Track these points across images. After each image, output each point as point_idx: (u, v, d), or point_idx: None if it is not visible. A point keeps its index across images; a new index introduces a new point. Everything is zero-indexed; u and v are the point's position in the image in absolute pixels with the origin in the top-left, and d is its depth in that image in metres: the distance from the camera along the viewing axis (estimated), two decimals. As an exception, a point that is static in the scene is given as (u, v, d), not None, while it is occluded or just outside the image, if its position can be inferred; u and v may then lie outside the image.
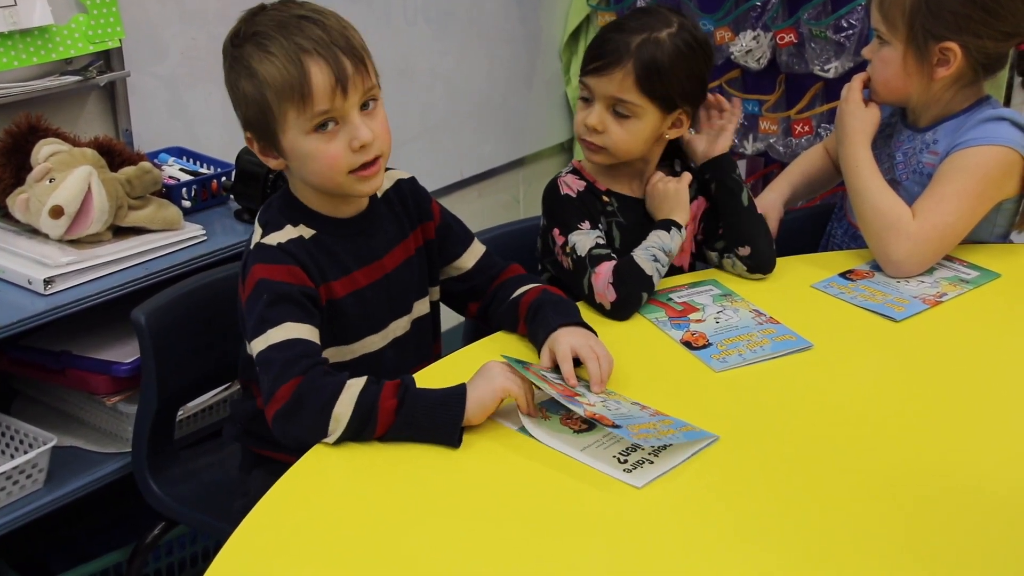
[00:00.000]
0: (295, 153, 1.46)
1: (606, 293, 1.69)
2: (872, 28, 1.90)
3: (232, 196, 2.17)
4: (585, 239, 1.74)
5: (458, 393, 1.37)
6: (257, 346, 1.42)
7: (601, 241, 1.75)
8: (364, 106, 1.46)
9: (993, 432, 1.40)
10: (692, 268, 1.91)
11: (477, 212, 3.35)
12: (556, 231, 1.79)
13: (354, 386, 1.36)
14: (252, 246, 1.51)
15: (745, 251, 1.81)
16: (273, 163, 1.50)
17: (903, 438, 1.39)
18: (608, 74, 1.72)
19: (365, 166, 1.47)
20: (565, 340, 1.48)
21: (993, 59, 1.85)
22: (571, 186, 1.81)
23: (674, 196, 1.78)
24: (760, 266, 1.82)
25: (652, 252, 1.72)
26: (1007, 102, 2.09)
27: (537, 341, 1.55)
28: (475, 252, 1.70)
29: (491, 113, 3.34)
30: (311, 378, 1.36)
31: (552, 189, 1.82)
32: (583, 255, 1.72)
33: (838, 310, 1.73)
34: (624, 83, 1.71)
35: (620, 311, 1.69)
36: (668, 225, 1.76)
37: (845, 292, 1.77)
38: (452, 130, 3.21)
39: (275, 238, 1.49)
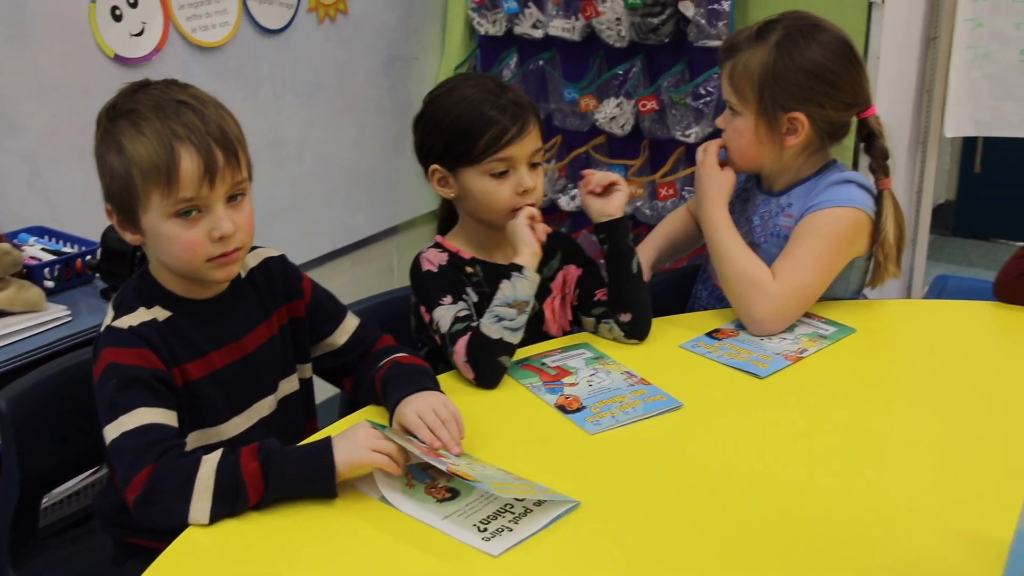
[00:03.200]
0: (154, 234, 1.44)
1: (465, 371, 1.70)
2: (725, 99, 1.97)
3: (98, 275, 2.13)
4: (447, 314, 1.74)
5: (324, 444, 1.38)
6: (110, 433, 1.39)
7: (462, 314, 1.74)
8: (232, 198, 1.45)
9: (855, 479, 1.44)
10: (570, 333, 1.93)
11: (351, 282, 3.34)
12: (423, 309, 1.79)
13: (211, 460, 1.35)
14: (103, 329, 1.49)
15: (627, 318, 1.83)
16: (130, 238, 1.48)
17: (769, 490, 1.42)
18: (528, 133, 1.75)
19: (223, 255, 1.46)
20: (409, 410, 1.48)
21: (837, 127, 1.95)
22: (432, 261, 1.81)
23: (515, 235, 1.77)
24: (638, 333, 1.84)
25: (495, 313, 1.71)
26: (854, 165, 2.19)
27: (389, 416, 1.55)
28: (347, 328, 1.70)
29: (362, 182, 3.35)
30: (165, 462, 1.35)
31: (414, 267, 1.83)
32: (445, 332, 1.73)
33: (706, 369, 1.77)
34: (535, 134, 1.77)
35: (485, 382, 1.69)
36: (509, 272, 1.74)
37: (712, 351, 1.82)
38: (323, 200, 3.21)
39: (126, 321, 1.47)
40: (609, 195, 1.85)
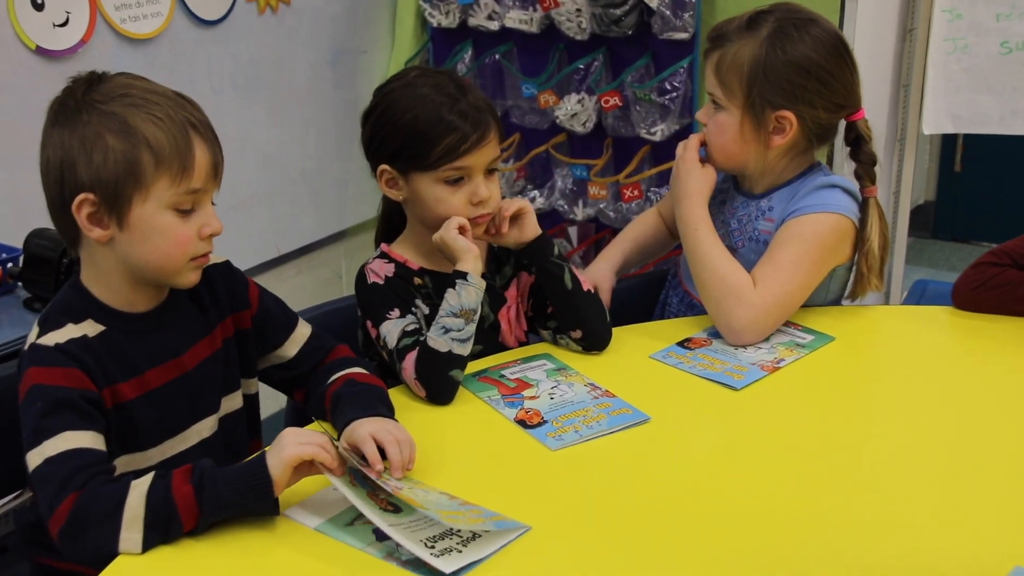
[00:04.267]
0: (144, 225, 1.42)
1: (416, 388, 1.68)
2: (707, 92, 1.96)
3: (21, 284, 2.09)
4: (394, 329, 1.72)
5: (256, 458, 1.36)
6: (33, 460, 1.36)
7: (410, 328, 1.73)
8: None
9: (836, 496, 1.44)
10: (526, 343, 1.92)
11: (296, 290, 3.31)
12: (369, 324, 1.77)
13: (140, 485, 1.32)
14: (27, 347, 1.45)
15: (578, 334, 1.82)
16: (98, 233, 1.42)
17: (743, 510, 1.41)
18: (488, 141, 1.74)
19: (204, 255, 1.47)
20: (363, 427, 1.47)
21: (826, 129, 1.95)
22: (378, 272, 1.79)
23: (448, 245, 1.74)
24: (594, 345, 1.83)
25: (442, 325, 1.68)
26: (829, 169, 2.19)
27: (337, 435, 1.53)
28: (298, 339, 1.68)
29: (307, 184, 3.32)
30: (90, 490, 1.32)
31: (359, 279, 1.80)
32: (392, 348, 1.71)
33: (676, 380, 1.76)
34: (495, 142, 1.76)
35: (437, 399, 1.68)
36: (454, 281, 1.72)
37: (684, 362, 1.81)
38: (266, 203, 3.18)
39: (52, 338, 1.43)
40: (519, 222, 1.81)
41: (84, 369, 1.42)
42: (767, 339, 1.88)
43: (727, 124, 1.93)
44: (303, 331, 1.69)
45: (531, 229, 1.81)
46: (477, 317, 1.72)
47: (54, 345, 1.43)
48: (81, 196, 1.40)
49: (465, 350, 1.69)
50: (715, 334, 1.90)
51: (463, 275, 1.71)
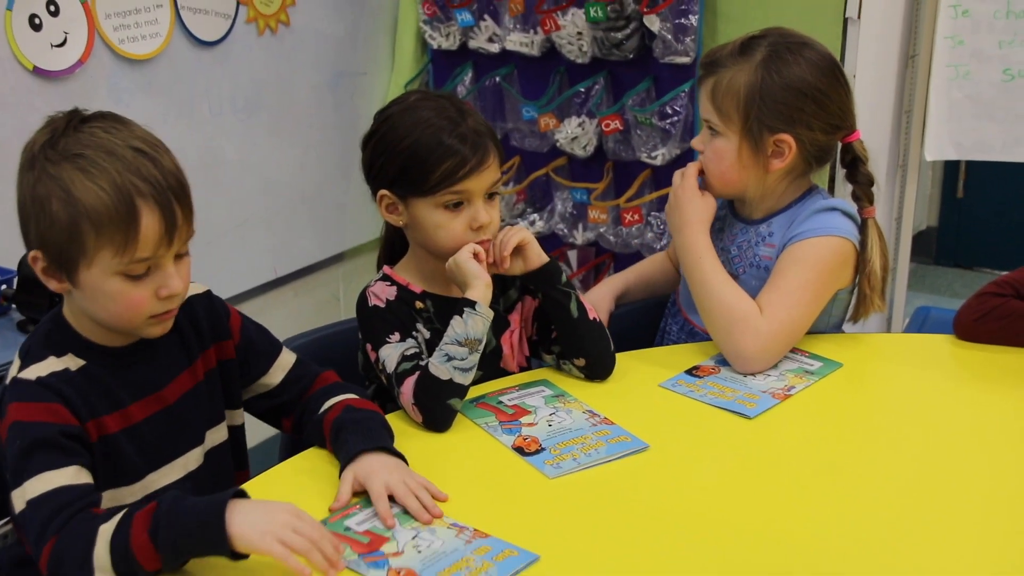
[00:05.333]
0: (92, 287, 1.39)
1: (413, 413, 1.67)
2: (703, 119, 1.96)
3: (15, 306, 2.09)
4: (393, 353, 1.71)
5: (217, 507, 1.27)
6: (16, 502, 1.34)
7: (410, 352, 1.71)
8: (179, 254, 1.43)
9: (854, 529, 1.42)
10: (527, 368, 1.91)
11: (293, 313, 3.31)
12: (369, 347, 1.77)
13: (105, 532, 1.28)
14: (8, 381, 1.43)
15: (580, 362, 1.82)
16: (55, 286, 1.42)
17: (751, 538, 1.40)
18: (487, 165, 1.73)
19: (166, 312, 1.44)
20: (379, 478, 1.44)
21: (824, 151, 1.95)
22: (380, 295, 1.78)
23: (461, 270, 1.73)
24: (597, 374, 1.82)
25: (445, 352, 1.67)
26: (830, 192, 2.20)
27: (340, 464, 1.51)
28: (283, 366, 1.66)
29: (306, 206, 3.32)
30: (66, 533, 1.29)
31: (361, 302, 1.80)
32: (391, 372, 1.70)
33: (681, 408, 1.74)
34: (495, 166, 1.75)
35: (434, 426, 1.67)
36: (462, 308, 1.71)
37: (694, 390, 1.79)
38: (264, 225, 3.17)
39: (34, 371, 1.41)
40: (522, 252, 1.79)
41: (66, 403, 1.40)
42: (776, 366, 1.87)
43: (725, 150, 1.92)
44: (287, 358, 1.68)
45: (536, 257, 1.79)
46: (482, 347, 1.70)
47: (35, 379, 1.41)
48: (33, 252, 1.40)
49: (466, 379, 1.68)
50: (722, 361, 1.89)
51: (471, 304, 1.69)
